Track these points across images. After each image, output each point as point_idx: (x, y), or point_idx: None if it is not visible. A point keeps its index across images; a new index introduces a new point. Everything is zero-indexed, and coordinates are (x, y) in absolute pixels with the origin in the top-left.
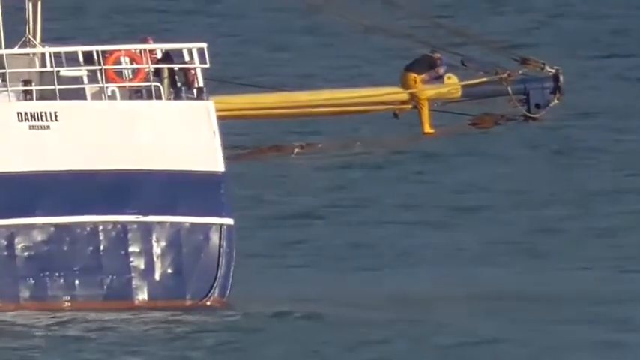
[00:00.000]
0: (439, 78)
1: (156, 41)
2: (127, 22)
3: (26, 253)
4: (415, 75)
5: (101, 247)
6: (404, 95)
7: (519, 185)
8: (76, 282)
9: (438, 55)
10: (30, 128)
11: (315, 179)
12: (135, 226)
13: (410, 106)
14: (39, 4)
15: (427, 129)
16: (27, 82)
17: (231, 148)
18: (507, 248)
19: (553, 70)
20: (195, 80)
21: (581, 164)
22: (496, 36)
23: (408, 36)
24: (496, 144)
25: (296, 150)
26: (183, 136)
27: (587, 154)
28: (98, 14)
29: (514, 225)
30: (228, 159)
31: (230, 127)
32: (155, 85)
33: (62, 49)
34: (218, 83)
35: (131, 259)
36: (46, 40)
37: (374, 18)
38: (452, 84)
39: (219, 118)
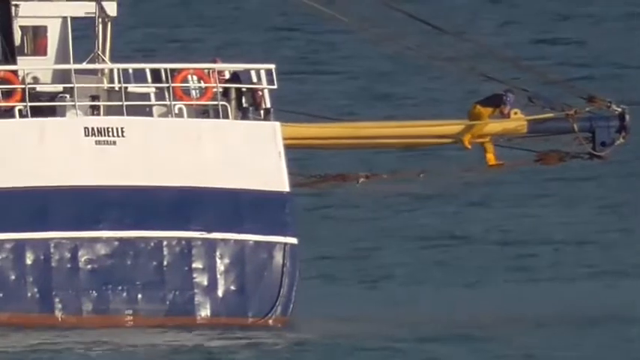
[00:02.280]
0: (505, 116)
1: (224, 61)
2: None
3: (89, 266)
4: (480, 106)
5: (165, 263)
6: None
7: None
8: (139, 296)
9: (506, 95)
10: (96, 143)
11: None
12: (199, 242)
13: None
14: (109, 24)
15: (492, 161)
16: (94, 98)
17: (297, 176)
18: None
19: (619, 109)
20: (263, 101)
21: None
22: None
23: (478, 71)
24: None
25: (361, 179)
26: (249, 155)
27: None
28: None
29: None
30: (293, 185)
31: (296, 154)
32: (223, 105)
33: (130, 66)
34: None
35: (194, 275)
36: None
37: (443, 52)
38: (518, 119)
39: (287, 147)
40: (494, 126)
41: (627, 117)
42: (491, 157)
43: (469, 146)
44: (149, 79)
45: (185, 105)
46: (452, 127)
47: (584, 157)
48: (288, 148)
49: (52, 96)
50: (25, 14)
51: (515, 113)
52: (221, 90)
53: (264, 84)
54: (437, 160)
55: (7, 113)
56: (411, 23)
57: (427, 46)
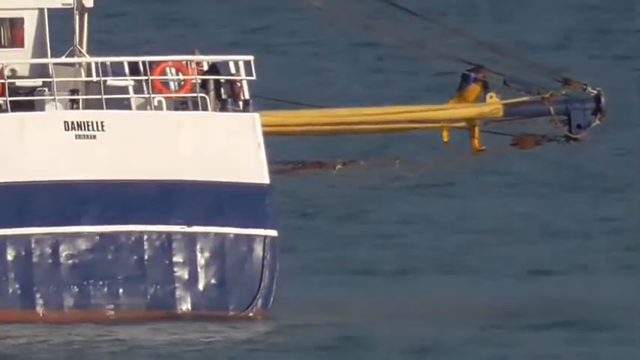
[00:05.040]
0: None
1: (202, 53)
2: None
3: (70, 262)
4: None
5: (145, 257)
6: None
7: None
8: (120, 291)
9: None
10: (76, 137)
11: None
12: (179, 236)
13: (461, 124)
14: (86, 15)
15: (477, 147)
16: (74, 92)
17: (274, 163)
18: None
19: (595, 92)
20: (242, 92)
21: None
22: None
23: (450, 55)
24: None
25: (338, 167)
26: (228, 147)
27: None
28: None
29: None
30: (270, 173)
31: (273, 141)
32: (201, 97)
33: (108, 59)
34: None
35: (175, 269)
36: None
37: (416, 35)
38: (494, 103)
39: (264, 134)
40: (470, 110)
41: (603, 99)
42: (476, 143)
43: (447, 140)
44: (127, 72)
45: (164, 97)
46: (429, 112)
47: (560, 139)
48: (266, 135)
49: (31, 90)
50: (1, 6)
51: (491, 97)
52: (199, 82)
53: (243, 75)
54: (417, 146)
55: None
56: (384, 7)
57: (400, 29)
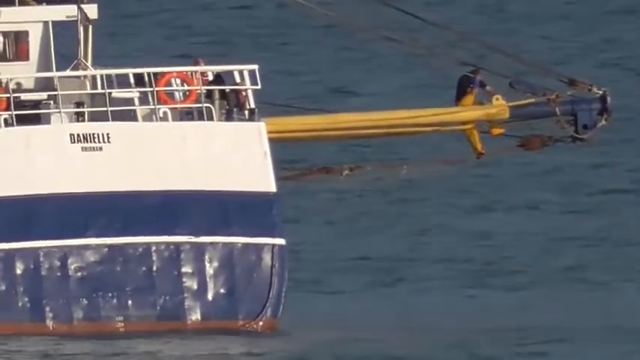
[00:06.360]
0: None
1: (207, 63)
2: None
3: (79, 274)
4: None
5: (154, 268)
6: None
7: None
8: (129, 302)
9: (473, 75)
10: (82, 150)
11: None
12: (187, 246)
13: (468, 127)
14: (90, 27)
15: (480, 149)
16: (79, 104)
17: (281, 169)
18: None
19: (601, 92)
20: (247, 102)
21: None
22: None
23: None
24: None
25: (345, 172)
26: (234, 157)
27: None
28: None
29: None
30: (277, 180)
31: (280, 147)
32: (207, 107)
33: (113, 71)
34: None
35: (184, 279)
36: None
37: (422, 39)
38: (500, 105)
39: (271, 140)
40: (477, 113)
41: (609, 99)
42: (478, 146)
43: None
44: (132, 83)
45: (169, 108)
46: (436, 115)
47: (567, 140)
48: (271, 141)
49: (36, 103)
50: (6, 19)
51: (497, 99)
52: (205, 92)
53: (248, 84)
54: (422, 149)
55: None
56: (387, 12)
57: (407, 34)
